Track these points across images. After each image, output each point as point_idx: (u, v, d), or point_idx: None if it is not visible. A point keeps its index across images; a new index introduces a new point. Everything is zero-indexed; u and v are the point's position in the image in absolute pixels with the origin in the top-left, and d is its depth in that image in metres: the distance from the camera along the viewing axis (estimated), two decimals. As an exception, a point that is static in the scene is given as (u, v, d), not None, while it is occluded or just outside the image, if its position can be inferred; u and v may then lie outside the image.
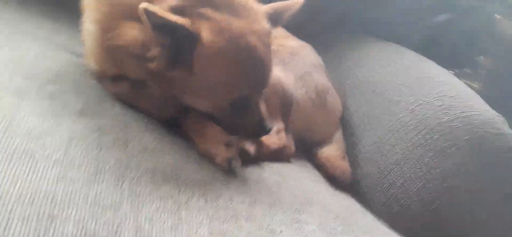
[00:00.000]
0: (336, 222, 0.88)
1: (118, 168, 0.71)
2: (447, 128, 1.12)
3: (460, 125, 1.11)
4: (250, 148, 0.94)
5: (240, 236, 0.70)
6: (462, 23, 1.89)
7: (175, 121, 0.92)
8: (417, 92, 1.24)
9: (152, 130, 0.86)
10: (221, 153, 0.86)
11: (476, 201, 1.07)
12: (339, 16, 1.80)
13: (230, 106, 0.88)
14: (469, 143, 1.09)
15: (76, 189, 0.63)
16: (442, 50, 1.82)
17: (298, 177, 1.01)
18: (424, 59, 1.45)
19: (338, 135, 1.30)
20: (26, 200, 0.58)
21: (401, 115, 1.21)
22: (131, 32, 0.82)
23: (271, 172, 0.97)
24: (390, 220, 1.09)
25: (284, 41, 1.31)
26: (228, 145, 0.87)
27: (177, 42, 0.79)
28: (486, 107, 1.18)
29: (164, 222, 0.65)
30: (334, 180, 1.16)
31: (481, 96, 1.25)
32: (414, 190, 1.10)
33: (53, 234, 0.55)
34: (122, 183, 0.68)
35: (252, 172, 0.92)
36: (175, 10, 0.79)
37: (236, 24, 0.82)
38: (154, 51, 0.80)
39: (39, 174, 0.62)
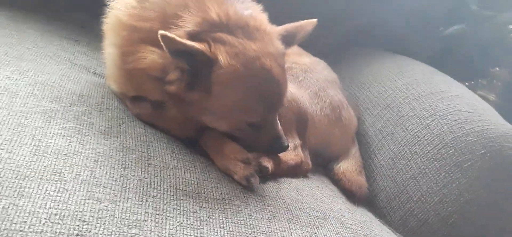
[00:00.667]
0: (353, 238, 0.89)
1: (142, 186, 0.74)
2: (462, 142, 1.12)
3: (475, 139, 1.12)
4: (268, 164, 0.96)
5: (260, 252, 0.72)
6: (475, 34, 1.89)
7: (194, 139, 0.95)
8: (431, 106, 1.24)
9: (173, 148, 0.89)
10: (240, 171, 0.88)
11: (492, 215, 1.07)
12: (353, 31, 1.81)
13: (247, 125, 0.91)
14: (484, 157, 1.09)
15: (103, 207, 0.66)
16: (455, 61, 1.82)
17: (315, 192, 1.02)
18: (437, 72, 1.46)
19: (355, 150, 1.31)
20: (56, 219, 0.61)
21: (416, 130, 1.22)
22: (151, 56, 0.84)
23: (288, 187, 0.98)
24: (407, 235, 1.09)
25: (297, 59, 1.33)
26: (246, 162, 0.89)
27: (194, 66, 0.81)
28: (502, 121, 1.18)
29: (187, 238, 0.67)
30: (351, 194, 1.16)
31: (497, 108, 1.25)
32: (431, 204, 1.11)
33: (83, 252, 0.57)
34: (146, 201, 0.71)
35: (270, 188, 0.94)
36: (192, 35, 0.82)
37: (251, 47, 0.85)
38: (173, 75, 0.83)
39: (68, 194, 0.65)
